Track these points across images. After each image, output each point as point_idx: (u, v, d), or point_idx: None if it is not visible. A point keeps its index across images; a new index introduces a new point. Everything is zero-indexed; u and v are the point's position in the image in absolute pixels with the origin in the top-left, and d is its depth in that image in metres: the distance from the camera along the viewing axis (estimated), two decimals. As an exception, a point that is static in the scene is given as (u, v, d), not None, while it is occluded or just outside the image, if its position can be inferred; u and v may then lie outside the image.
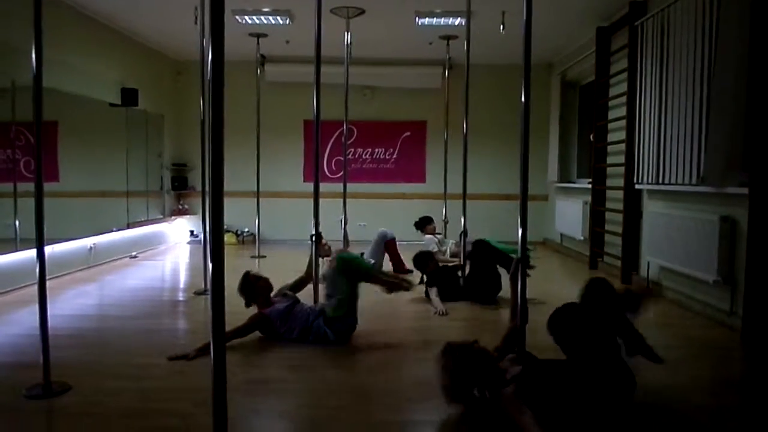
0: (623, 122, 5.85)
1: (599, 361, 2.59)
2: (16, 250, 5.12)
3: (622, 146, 5.85)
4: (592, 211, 6.75)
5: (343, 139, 6.35)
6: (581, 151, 8.08)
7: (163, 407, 2.71)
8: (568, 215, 7.60)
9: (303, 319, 3.74)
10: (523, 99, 2.83)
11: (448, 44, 7.28)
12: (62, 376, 2.94)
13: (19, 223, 5.12)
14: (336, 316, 3.71)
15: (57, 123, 5.95)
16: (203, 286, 5.22)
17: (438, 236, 7.17)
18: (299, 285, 4.24)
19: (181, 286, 5.99)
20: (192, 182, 8.87)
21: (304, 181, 8.85)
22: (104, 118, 6.90)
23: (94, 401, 2.77)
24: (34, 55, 2.83)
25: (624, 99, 5.83)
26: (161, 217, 8.36)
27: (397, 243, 6.45)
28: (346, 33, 6.16)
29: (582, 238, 7.11)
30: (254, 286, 3.83)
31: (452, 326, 4.29)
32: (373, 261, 6.12)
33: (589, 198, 6.87)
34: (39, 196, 2.84)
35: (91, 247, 6.44)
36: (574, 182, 8.02)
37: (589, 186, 6.85)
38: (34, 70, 2.83)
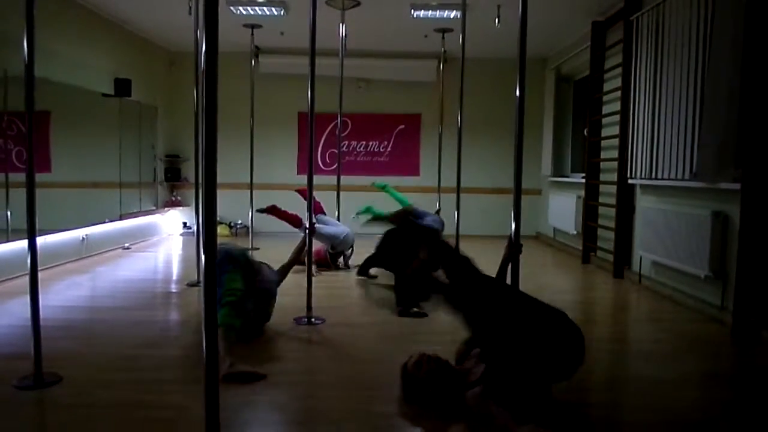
0: (617, 117, 5.86)
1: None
2: (7, 241, 5.09)
3: (616, 141, 5.86)
4: (585, 205, 6.77)
5: (337, 131, 6.35)
6: (575, 145, 8.10)
7: (155, 399, 2.70)
8: (562, 209, 7.63)
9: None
10: (518, 93, 2.83)
11: (443, 37, 7.26)
12: (53, 367, 2.93)
13: (11, 214, 5.08)
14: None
15: (49, 113, 5.90)
16: (196, 277, 5.21)
17: None
18: (284, 272, 4.21)
19: (174, 277, 5.97)
20: (185, 174, 8.83)
21: (297, 174, 8.83)
22: (97, 108, 6.85)
23: (86, 393, 2.77)
24: (26, 45, 2.80)
25: (618, 94, 5.84)
26: (154, 208, 8.32)
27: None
28: (340, 25, 6.14)
29: (575, 232, 7.14)
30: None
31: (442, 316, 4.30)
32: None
33: (582, 192, 6.89)
34: (31, 187, 2.82)
35: (83, 238, 6.41)
36: (567, 176, 8.03)
37: (583, 180, 6.87)
38: (26, 59, 2.81)
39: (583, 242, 6.81)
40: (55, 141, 5.96)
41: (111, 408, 2.60)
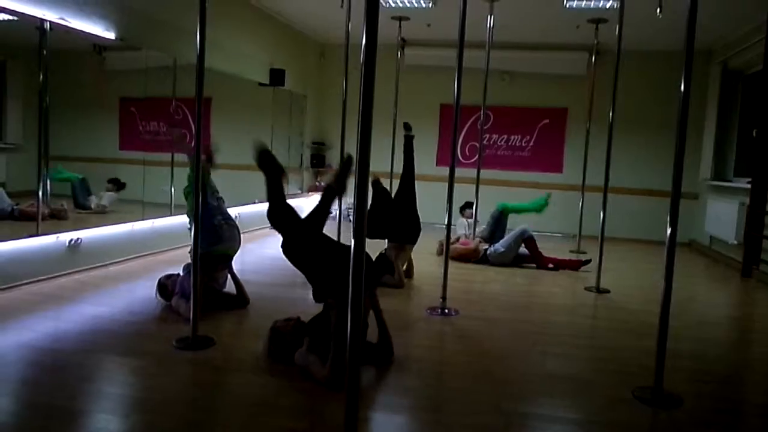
0: (795, 117, 5.25)
1: None
2: (171, 215, 5.63)
3: (792, 144, 5.25)
4: (750, 213, 6.14)
5: (479, 124, 6.28)
6: (740, 147, 7.36)
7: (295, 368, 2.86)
8: (721, 216, 6.99)
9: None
10: (682, 88, 2.61)
11: (596, 28, 6.91)
12: (207, 332, 3.20)
13: (175, 190, 5.60)
14: None
15: (211, 99, 6.41)
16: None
17: (469, 221, 6.98)
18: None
19: (314, 259, 6.26)
20: (329, 160, 9.22)
21: (437, 165, 8.87)
22: (253, 96, 7.35)
23: (235, 357, 3.01)
24: (198, 36, 3.06)
25: (798, 91, 5.22)
26: (299, 192, 8.79)
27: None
28: (489, 16, 6.05)
29: (735, 242, 6.51)
30: None
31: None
32: (502, 250, 6.02)
33: (746, 199, 6.26)
34: (198, 166, 3.10)
35: (236, 217, 6.88)
36: (730, 181, 7.33)
37: (748, 186, 6.23)
38: (197, 50, 3.07)
39: (745, 254, 6.19)
40: (215, 125, 6.47)
41: (257, 374, 2.80)
